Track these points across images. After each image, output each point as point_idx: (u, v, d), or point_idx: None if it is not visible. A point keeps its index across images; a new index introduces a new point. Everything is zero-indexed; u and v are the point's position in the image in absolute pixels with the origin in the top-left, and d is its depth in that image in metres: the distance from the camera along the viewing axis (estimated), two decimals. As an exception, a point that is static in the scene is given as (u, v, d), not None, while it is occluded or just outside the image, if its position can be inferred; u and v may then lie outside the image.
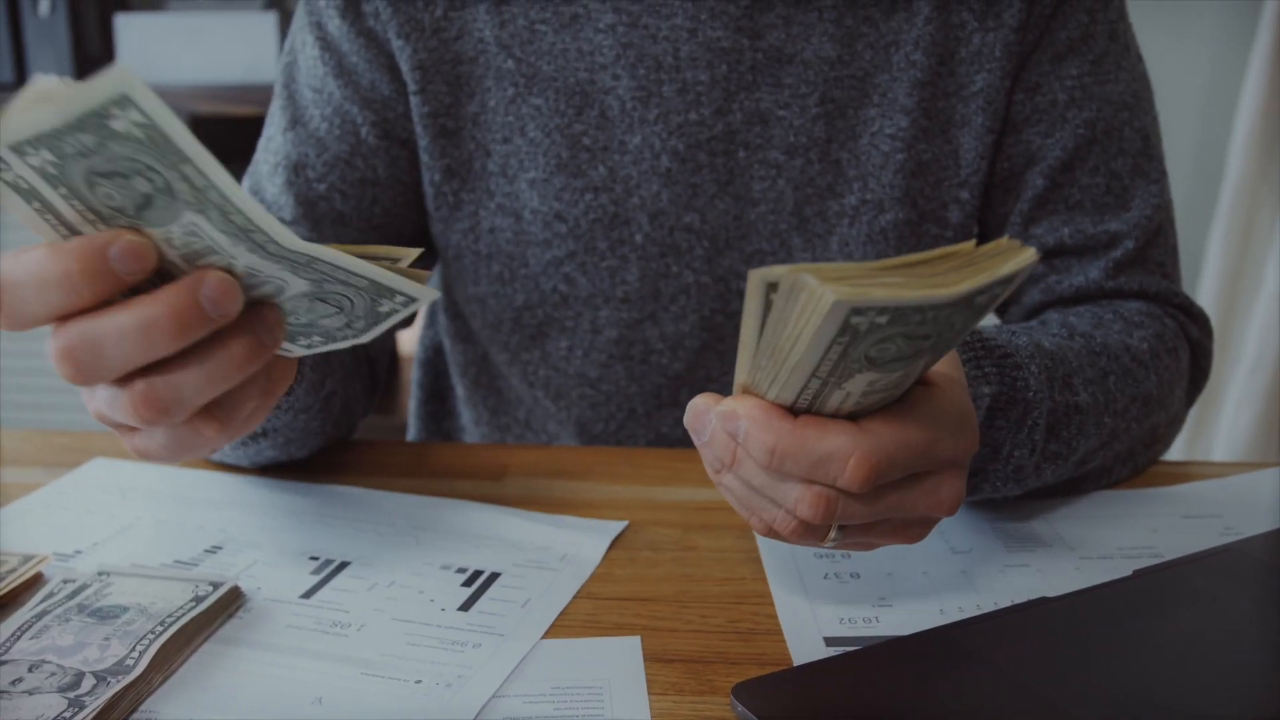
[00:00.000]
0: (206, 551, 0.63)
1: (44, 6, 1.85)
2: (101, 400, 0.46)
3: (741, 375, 0.46)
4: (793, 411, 0.46)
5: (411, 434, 1.02)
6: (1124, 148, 0.78)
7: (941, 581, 0.60)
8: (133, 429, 0.49)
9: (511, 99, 0.77)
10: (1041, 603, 0.56)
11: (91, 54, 1.94)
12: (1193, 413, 1.94)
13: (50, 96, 0.39)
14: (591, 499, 0.70)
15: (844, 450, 0.44)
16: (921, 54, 0.76)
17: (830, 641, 0.54)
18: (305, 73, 0.80)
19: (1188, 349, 0.77)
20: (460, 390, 0.94)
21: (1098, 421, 0.65)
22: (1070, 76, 0.77)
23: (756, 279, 0.40)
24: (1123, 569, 0.60)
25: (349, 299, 0.48)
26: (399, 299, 0.48)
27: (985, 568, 0.61)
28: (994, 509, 0.68)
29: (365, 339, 0.51)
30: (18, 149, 0.40)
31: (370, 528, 0.65)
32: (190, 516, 0.67)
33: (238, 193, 0.40)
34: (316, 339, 0.52)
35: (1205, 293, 1.91)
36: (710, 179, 0.77)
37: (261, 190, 0.80)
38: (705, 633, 0.55)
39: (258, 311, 0.47)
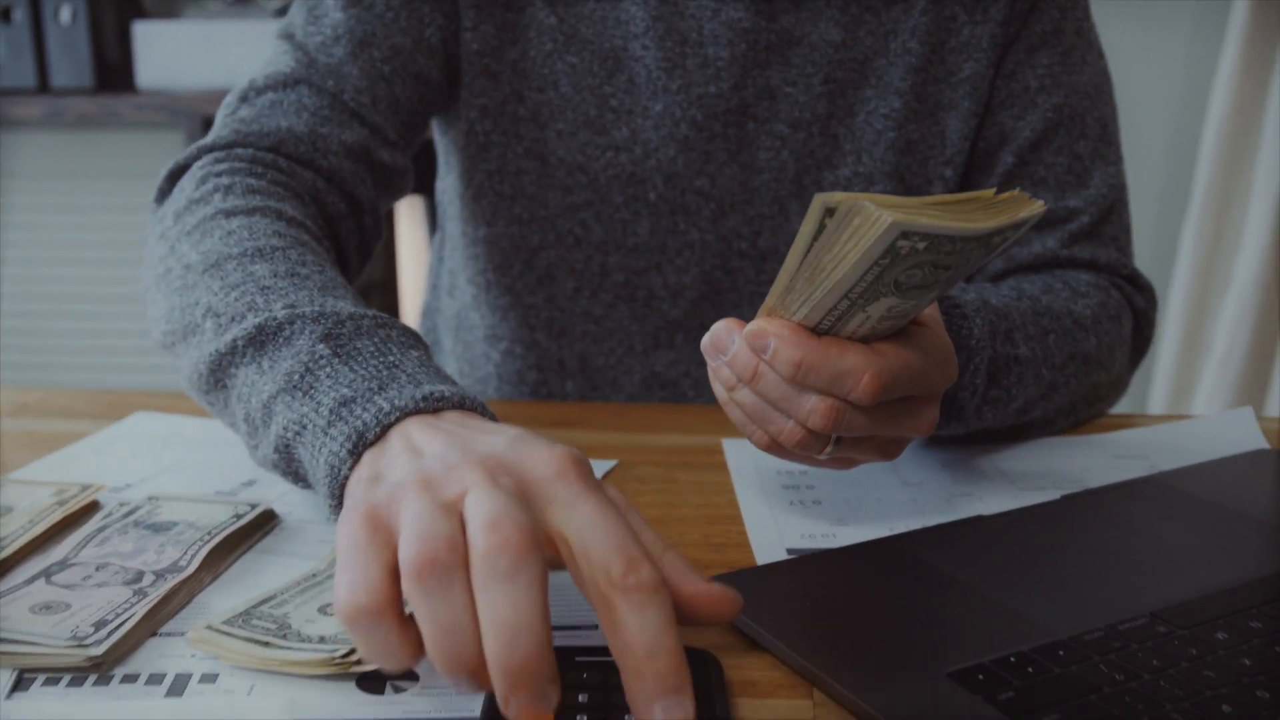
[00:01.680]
0: (243, 484, 0.70)
1: (65, 15, 1.93)
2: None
3: (771, 300, 0.54)
4: (812, 331, 0.54)
5: None
6: (1085, 132, 0.86)
7: (893, 507, 0.67)
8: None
9: (549, 53, 0.84)
10: (979, 519, 0.64)
11: (110, 60, 2.02)
12: (1166, 403, 2.02)
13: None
14: (584, 443, 0.77)
15: (860, 367, 0.52)
16: (917, 42, 0.84)
17: (791, 552, 0.62)
18: None
19: (1131, 317, 0.85)
20: (446, 344, 1.02)
21: (1036, 373, 0.72)
22: (1042, 66, 0.85)
23: (818, 202, 0.47)
24: (1054, 497, 0.68)
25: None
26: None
27: (933, 496, 0.69)
28: (943, 448, 0.76)
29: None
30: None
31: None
32: (226, 458, 0.74)
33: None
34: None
35: (1178, 286, 1.98)
36: (722, 147, 0.85)
37: (313, 56, 0.80)
38: (682, 545, 0.63)
39: None
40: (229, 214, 0.68)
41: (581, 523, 0.44)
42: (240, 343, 0.59)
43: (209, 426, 0.80)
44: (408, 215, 2.27)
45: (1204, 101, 1.99)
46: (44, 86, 1.99)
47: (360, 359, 0.56)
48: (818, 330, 0.54)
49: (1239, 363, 1.94)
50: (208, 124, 1.91)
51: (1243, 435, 0.78)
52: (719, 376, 0.57)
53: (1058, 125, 0.86)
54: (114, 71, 2.03)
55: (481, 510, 0.43)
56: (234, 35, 1.92)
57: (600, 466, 0.73)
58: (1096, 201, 0.86)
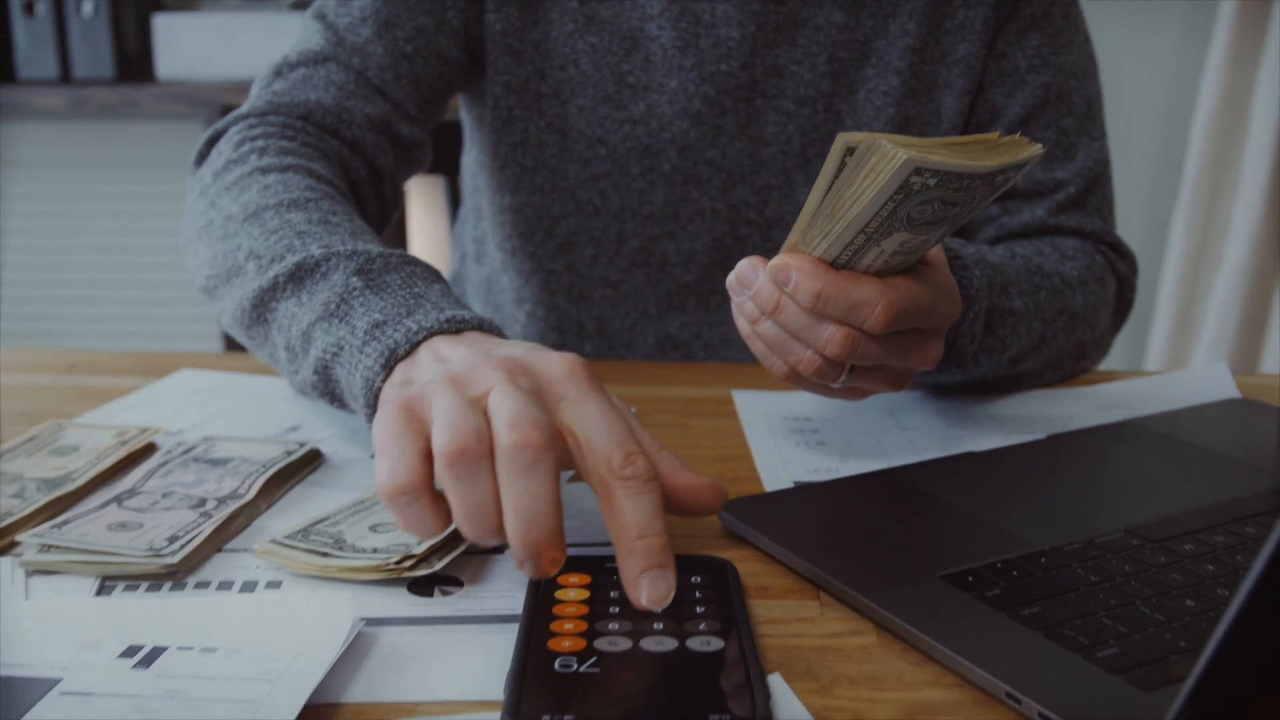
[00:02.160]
0: (287, 430, 0.76)
1: (87, 8, 1.99)
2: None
3: (793, 237, 0.60)
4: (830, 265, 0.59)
5: None
6: (1072, 109, 0.92)
7: (891, 448, 0.73)
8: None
9: (571, 33, 0.90)
10: (971, 454, 0.70)
11: (131, 52, 2.07)
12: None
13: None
14: (604, 395, 0.83)
15: (874, 297, 0.58)
16: (914, 24, 0.90)
17: (798, 484, 0.67)
18: None
19: (1114, 281, 0.90)
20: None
21: (1029, 326, 0.78)
22: (1031, 46, 0.91)
23: (840, 141, 0.53)
24: (1041, 437, 0.73)
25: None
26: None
27: (928, 438, 0.74)
28: (939, 397, 0.81)
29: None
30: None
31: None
32: (269, 408, 0.80)
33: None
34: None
35: (1169, 270, 2.03)
36: (732, 121, 0.91)
37: (341, 35, 0.86)
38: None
39: None
40: (265, 170, 0.75)
41: (587, 419, 0.52)
42: (281, 279, 0.66)
43: (251, 381, 0.85)
44: (419, 198, 2.32)
45: (1194, 90, 2.04)
46: (66, 77, 2.04)
47: (390, 290, 0.62)
48: (835, 265, 0.59)
49: (1228, 344, 2.00)
50: (225, 113, 1.96)
51: (1218, 386, 0.83)
52: (743, 311, 0.63)
53: (1045, 102, 0.91)
54: (134, 63, 2.09)
55: (504, 408, 0.49)
56: (251, 27, 1.97)
57: (619, 415, 0.78)
58: (1082, 174, 0.92)
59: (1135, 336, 2.17)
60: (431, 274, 0.66)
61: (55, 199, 2.20)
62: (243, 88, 1.96)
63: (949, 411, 0.79)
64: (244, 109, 0.84)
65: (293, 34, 1.93)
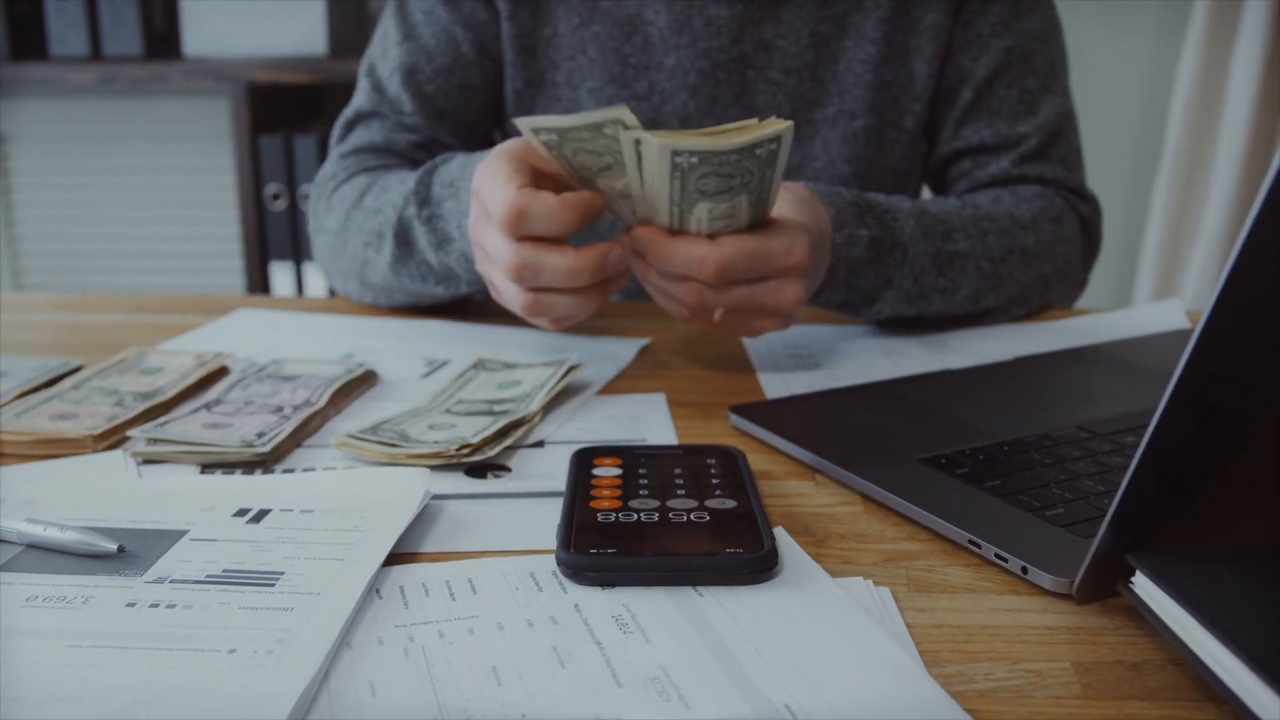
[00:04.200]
0: (343, 356, 0.85)
1: (116, -13, 2.07)
2: (505, 291, 0.75)
3: (638, 212, 0.73)
4: (672, 234, 0.73)
5: None
6: (1034, 69, 1.01)
7: (879, 369, 0.82)
8: (495, 287, 0.77)
9: (576, 27, 1.00)
10: (946, 371, 0.79)
11: (159, 30, 2.15)
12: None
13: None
14: (622, 329, 0.92)
15: (701, 253, 0.71)
16: None
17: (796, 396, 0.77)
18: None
19: (1076, 220, 1.00)
20: None
21: (978, 265, 0.88)
22: (994, 14, 1.00)
23: (626, 136, 0.68)
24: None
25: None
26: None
27: (911, 362, 0.84)
28: (921, 331, 0.90)
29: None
30: (536, 131, 0.69)
31: (461, 342, 0.88)
32: (324, 339, 0.89)
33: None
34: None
35: (1150, 239, 2.13)
36: (726, 92, 1.00)
37: (384, 88, 1.03)
38: (709, 393, 0.77)
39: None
40: (355, 195, 0.97)
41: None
42: (399, 225, 0.87)
43: (306, 317, 0.95)
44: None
45: (1173, 65, 2.14)
46: (97, 54, 2.12)
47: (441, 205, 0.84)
48: (671, 230, 0.73)
49: (1208, 311, 2.09)
50: (251, 89, 2.05)
51: (1171, 320, 0.93)
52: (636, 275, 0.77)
53: (1008, 64, 1.01)
54: (163, 40, 2.17)
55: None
56: (276, 5, 2.06)
57: (634, 344, 0.87)
58: (1044, 127, 1.01)
59: (1119, 301, 2.27)
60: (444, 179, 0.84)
61: (86, 172, 2.28)
62: (267, 63, 2.04)
63: (930, 341, 0.88)
64: (331, 154, 1.07)
65: (312, 11, 2.03)
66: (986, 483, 0.60)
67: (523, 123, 0.69)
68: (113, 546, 0.52)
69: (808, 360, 0.84)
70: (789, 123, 0.67)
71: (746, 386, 0.79)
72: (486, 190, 0.72)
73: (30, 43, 2.18)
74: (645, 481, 0.59)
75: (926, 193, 1.13)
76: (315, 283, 2.13)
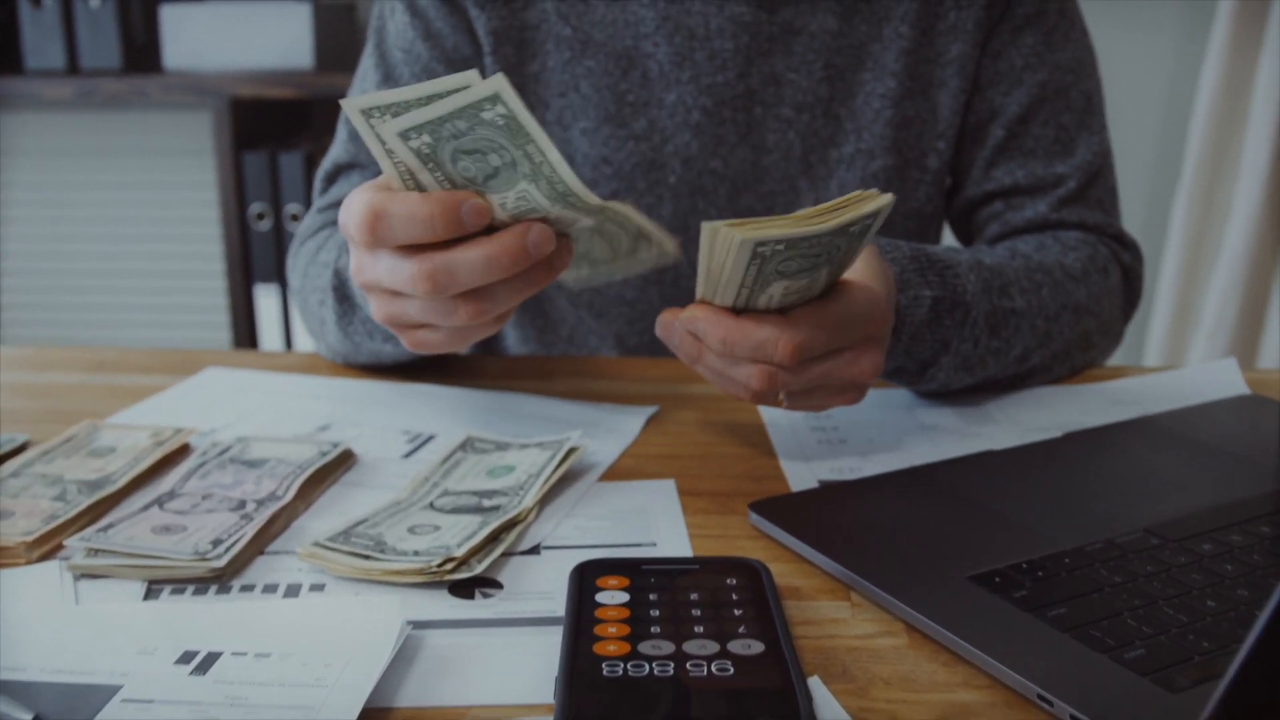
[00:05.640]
0: (318, 429, 0.77)
1: (94, -2, 1.99)
2: (427, 310, 0.62)
3: (698, 292, 0.64)
4: (736, 311, 0.64)
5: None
6: (1070, 105, 0.93)
7: (912, 446, 0.74)
8: (418, 328, 0.65)
9: (568, 61, 0.91)
10: (990, 453, 0.71)
11: (138, 42, 2.07)
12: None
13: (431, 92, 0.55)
14: (627, 393, 0.84)
15: (775, 335, 0.62)
16: (908, 27, 0.91)
17: (823, 483, 0.68)
18: (394, 36, 0.94)
19: (1119, 270, 0.92)
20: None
21: (1032, 323, 0.80)
22: (1026, 45, 0.92)
23: (706, 230, 0.59)
24: (1057, 435, 0.75)
25: (621, 241, 0.66)
26: (653, 251, 0.67)
27: (947, 437, 0.76)
28: (956, 398, 0.82)
29: (618, 277, 0.67)
30: (405, 135, 0.56)
31: (449, 413, 0.80)
32: (298, 406, 0.81)
33: (563, 166, 0.57)
34: (584, 269, 0.69)
35: (1169, 260, 2.05)
36: (733, 131, 0.92)
37: (361, 144, 0.94)
38: (725, 478, 0.69)
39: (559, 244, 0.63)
40: (314, 248, 0.90)
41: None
42: (336, 278, 0.80)
43: (278, 379, 0.87)
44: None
45: (1194, 77, 2.05)
46: (74, 68, 2.04)
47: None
48: (735, 308, 0.64)
49: (1228, 333, 2.01)
50: (235, 104, 1.97)
51: (1226, 382, 0.85)
52: (680, 354, 0.67)
53: (1043, 100, 0.93)
54: (142, 53, 2.08)
55: None
56: (258, 17, 1.97)
57: (640, 413, 0.79)
58: (1082, 168, 0.93)
59: (1135, 324, 2.19)
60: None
61: (63, 189, 2.20)
62: (250, 77, 1.96)
63: (967, 411, 0.80)
64: (311, 208, 0.98)
65: (297, 23, 1.94)
66: (1050, 610, 0.52)
67: (350, 104, 0.55)
68: (27, 717, 0.44)
69: (832, 434, 0.76)
70: (889, 196, 0.59)
71: (765, 469, 0.71)
72: (344, 216, 0.61)
73: (4, 56, 2.09)
74: (657, 614, 0.51)
75: (947, 236, 1.05)
76: (302, 304, 2.04)
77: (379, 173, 0.94)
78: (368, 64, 0.96)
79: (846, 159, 0.93)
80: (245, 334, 2.08)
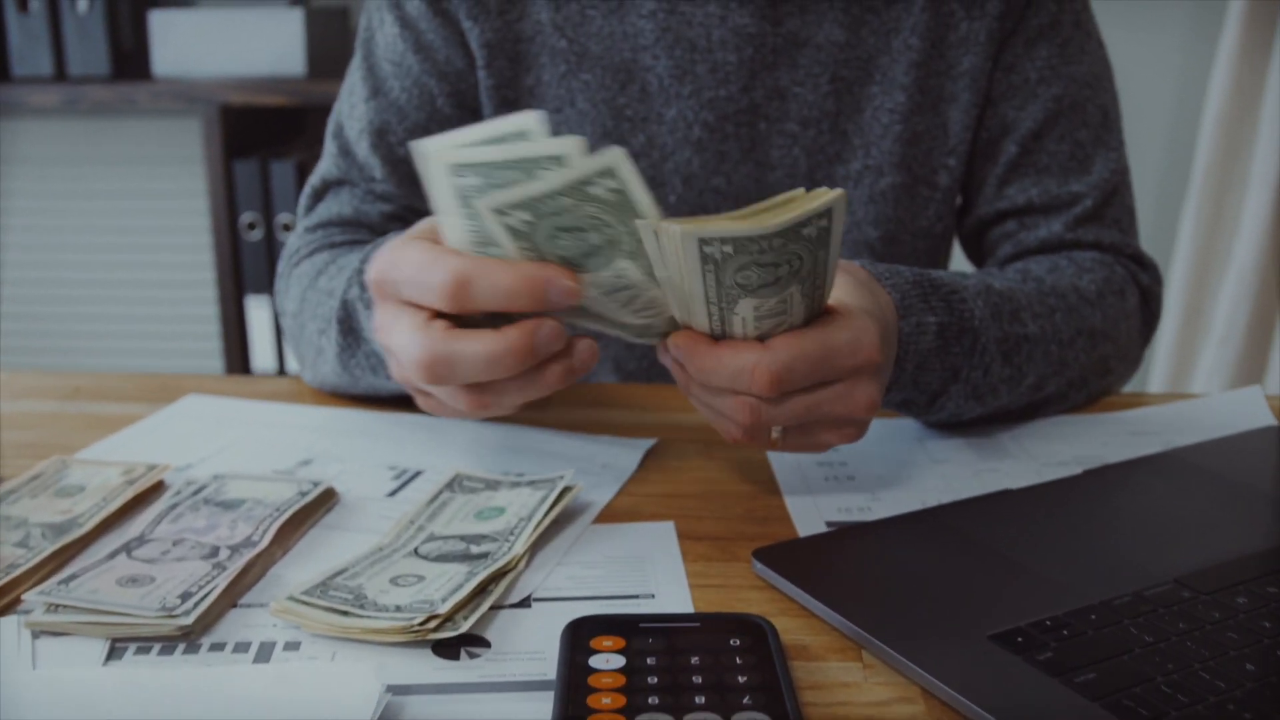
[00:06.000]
0: (299, 464, 0.73)
1: (82, 4, 1.94)
2: (438, 391, 0.61)
3: (672, 309, 0.59)
4: (715, 338, 0.59)
5: None
6: (1086, 120, 0.89)
7: (923, 483, 0.71)
8: (424, 394, 0.64)
9: (563, 74, 0.88)
10: (1007, 493, 0.67)
11: (127, 48, 2.03)
12: (1166, 382, 2.06)
13: (525, 134, 0.53)
14: (625, 423, 0.80)
15: (750, 363, 0.57)
16: (917, 39, 0.87)
17: (830, 525, 0.65)
18: (384, 48, 0.91)
19: (1136, 292, 0.88)
20: None
21: (1045, 350, 0.76)
22: (1040, 58, 0.88)
23: (644, 228, 0.53)
24: (1075, 472, 0.71)
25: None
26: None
27: (960, 471, 0.72)
28: (968, 430, 0.79)
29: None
30: (500, 211, 0.53)
31: (437, 446, 0.76)
32: (281, 437, 0.77)
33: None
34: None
35: (1178, 268, 2.01)
36: (735, 147, 0.88)
37: (352, 152, 0.92)
38: (727, 519, 0.66)
39: (574, 343, 0.60)
40: (312, 272, 0.85)
41: None
42: (343, 308, 0.76)
43: (259, 409, 0.83)
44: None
45: (1203, 85, 2.02)
46: (61, 75, 2.00)
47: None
48: (713, 334, 0.59)
49: (1238, 342, 1.97)
50: (225, 111, 1.93)
51: (1251, 412, 0.81)
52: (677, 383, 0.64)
53: (1058, 114, 0.89)
54: (130, 59, 2.05)
55: None
56: (249, 23, 1.94)
57: (638, 447, 0.76)
58: (1099, 186, 0.89)
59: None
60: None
61: (50, 197, 2.17)
62: (241, 84, 1.93)
63: (980, 443, 0.77)
64: (298, 227, 0.95)
65: (290, 29, 1.91)
66: (1077, 675, 0.48)
67: (435, 157, 0.54)
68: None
69: (839, 469, 0.73)
70: (839, 191, 0.54)
71: (769, 508, 0.67)
72: (418, 274, 0.58)
73: (-9, 61, 2.06)
74: (655, 680, 0.47)
75: (958, 253, 1.01)
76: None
77: (370, 191, 0.91)
78: (355, 77, 0.93)
79: (854, 176, 0.90)
80: (236, 346, 2.05)
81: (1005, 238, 0.91)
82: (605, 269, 0.57)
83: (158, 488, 0.69)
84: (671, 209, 0.90)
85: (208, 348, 2.19)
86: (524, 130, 0.55)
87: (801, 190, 0.55)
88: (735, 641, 0.50)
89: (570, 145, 0.53)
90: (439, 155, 0.54)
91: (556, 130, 0.89)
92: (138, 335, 2.23)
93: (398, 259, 0.59)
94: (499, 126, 0.55)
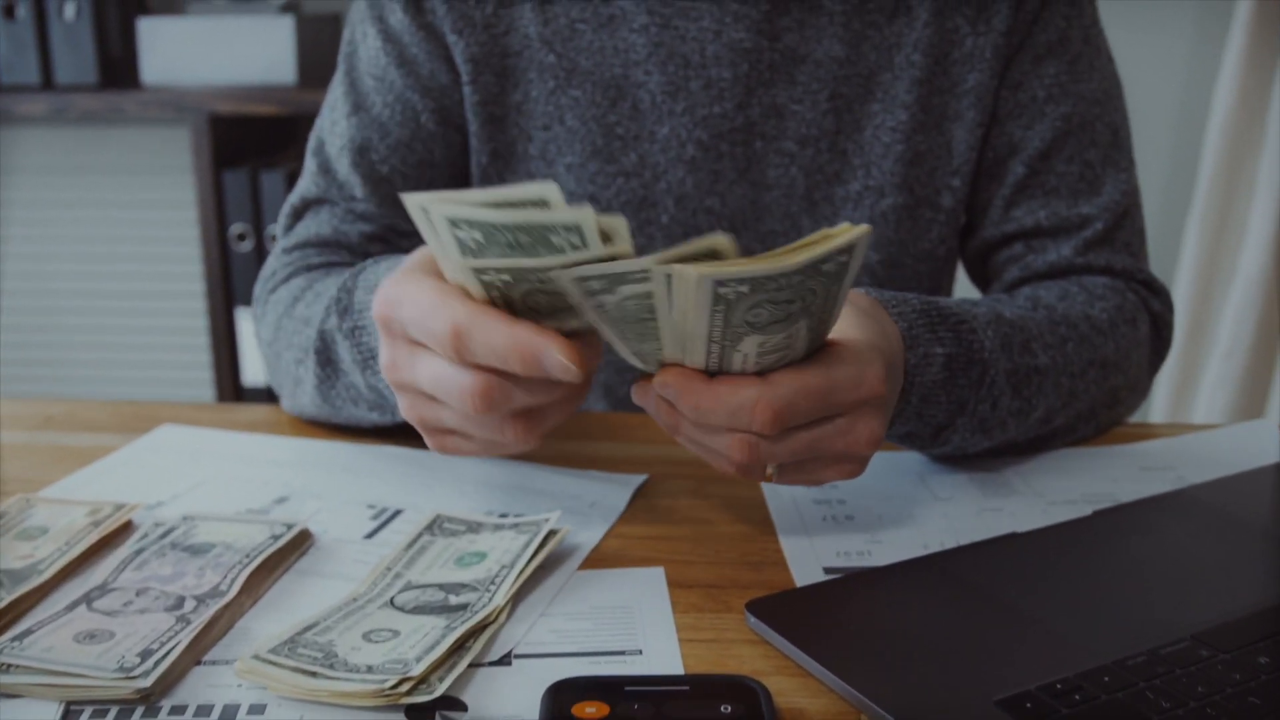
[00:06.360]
0: (275, 502, 0.70)
1: (69, 11, 1.92)
2: (469, 422, 0.58)
3: (664, 351, 0.55)
4: (710, 374, 0.55)
5: None
6: (1096, 140, 0.86)
7: (925, 523, 0.68)
8: (448, 433, 0.60)
9: (552, 90, 0.85)
10: (1013, 536, 0.64)
11: (115, 57, 2.00)
12: (1170, 396, 2.03)
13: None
14: (614, 456, 0.77)
15: (752, 399, 0.54)
16: (920, 55, 0.84)
17: (829, 570, 0.62)
18: (366, 62, 0.88)
19: (1148, 320, 0.85)
20: None
21: (1056, 382, 0.73)
22: (1049, 75, 0.85)
23: (657, 272, 0.50)
24: (1085, 512, 0.68)
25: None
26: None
27: (963, 511, 0.69)
28: (972, 464, 0.76)
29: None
30: (517, 277, 0.53)
31: (419, 482, 0.73)
32: (257, 473, 0.74)
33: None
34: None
35: (1182, 280, 1.98)
36: (730, 166, 0.85)
37: (333, 170, 0.89)
38: (719, 564, 0.63)
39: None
40: (289, 299, 0.82)
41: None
42: (320, 339, 0.74)
43: (237, 440, 0.80)
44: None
45: (1207, 100, 1.99)
46: (48, 83, 1.97)
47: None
48: (708, 370, 0.56)
49: (1242, 357, 1.95)
50: (214, 121, 1.90)
51: (1262, 446, 0.78)
52: (660, 424, 0.60)
53: (1067, 134, 0.86)
54: (118, 68, 2.02)
55: None
56: (238, 31, 1.91)
57: (628, 484, 0.73)
58: (1109, 208, 0.86)
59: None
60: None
61: (38, 207, 2.14)
62: (230, 92, 1.90)
63: (984, 480, 0.74)
64: (275, 247, 0.91)
65: (280, 37, 1.88)
66: (1091, 747, 0.45)
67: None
68: None
69: (837, 508, 0.70)
70: (864, 228, 0.50)
71: (764, 552, 0.64)
72: (415, 314, 0.55)
73: (-23, 70, 2.03)
74: (640, 752, 0.44)
75: (961, 277, 0.98)
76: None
77: (350, 210, 0.88)
78: (337, 93, 0.90)
79: (854, 197, 0.87)
80: (226, 357, 2.02)
81: (1012, 261, 0.88)
82: (574, 321, 0.55)
83: (125, 528, 0.66)
84: (664, 230, 0.87)
85: (197, 359, 2.16)
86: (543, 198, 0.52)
87: (823, 231, 0.51)
88: (726, 708, 0.47)
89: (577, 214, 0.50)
90: (437, 211, 0.51)
91: (544, 150, 0.86)
92: (126, 347, 2.20)
93: (402, 297, 0.56)
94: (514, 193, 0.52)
